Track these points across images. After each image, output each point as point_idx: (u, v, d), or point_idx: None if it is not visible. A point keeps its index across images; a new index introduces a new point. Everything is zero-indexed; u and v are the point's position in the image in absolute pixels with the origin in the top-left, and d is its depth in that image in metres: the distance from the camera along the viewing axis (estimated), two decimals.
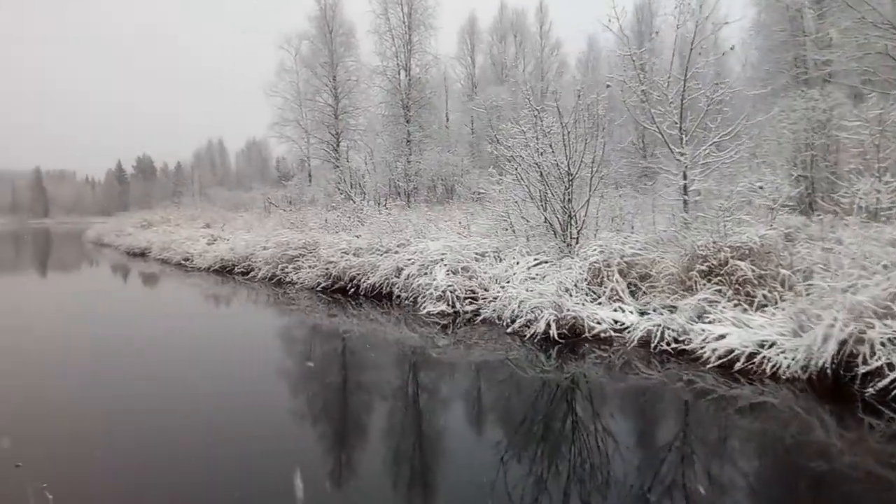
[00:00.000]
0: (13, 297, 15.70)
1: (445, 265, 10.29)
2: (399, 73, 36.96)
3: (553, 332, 7.50)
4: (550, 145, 10.34)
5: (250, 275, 16.01)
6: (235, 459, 4.83)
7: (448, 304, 9.69)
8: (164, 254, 21.57)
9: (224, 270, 17.26)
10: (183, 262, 19.77)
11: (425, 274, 10.55)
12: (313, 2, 36.57)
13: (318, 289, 13.15)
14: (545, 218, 11.00)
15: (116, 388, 6.83)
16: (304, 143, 42.33)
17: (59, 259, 29.92)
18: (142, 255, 24.84)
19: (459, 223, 15.56)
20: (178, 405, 6.27)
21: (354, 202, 22.20)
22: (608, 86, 10.57)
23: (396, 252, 12.34)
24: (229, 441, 5.20)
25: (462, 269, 10.20)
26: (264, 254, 15.67)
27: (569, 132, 9.88)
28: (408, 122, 36.42)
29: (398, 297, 11.30)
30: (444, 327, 9.36)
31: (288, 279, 14.43)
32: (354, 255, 12.84)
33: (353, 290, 12.30)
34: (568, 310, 7.67)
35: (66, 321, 11.90)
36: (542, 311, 7.77)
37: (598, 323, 7.80)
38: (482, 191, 19.82)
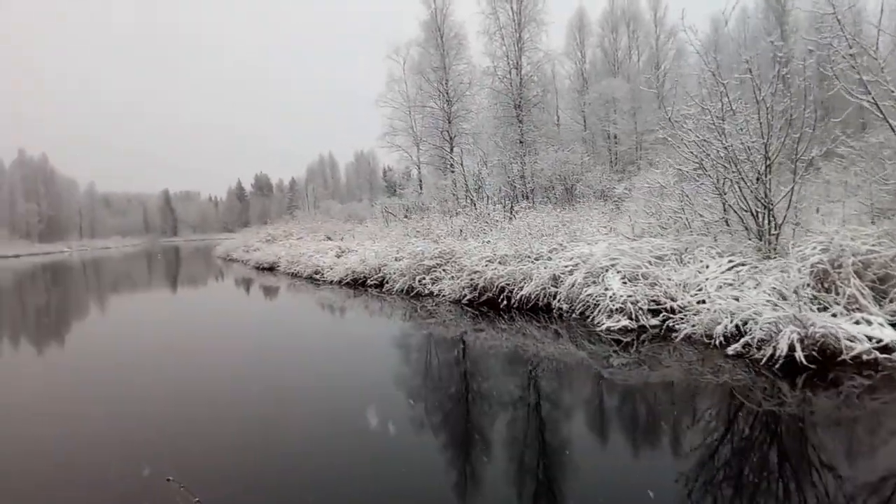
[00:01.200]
0: (156, 312, 15.97)
1: (619, 272, 8.89)
2: (510, 73, 36.08)
3: (799, 354, 5.89)
4: (741, 124, 8.70)
5: (384, 287, 15.29)
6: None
7: (631, 318, 8.27)
8: (294, 268, 21.48)
9: (356, 283, 16.66)
10: (313, 275, 19.49)
11: (594, 282, 9.21)
12: (423, 6, 36.20)
13: (463, 301, 12.06)
14: (726, 209, 9.37)
15: (263, 401, 6.74)
16: (414, 150, 42.44)
17: (195, 276, 31.02)
18: (270, 269, 25.06)
19: (603, 224, 14.15)
20: (324, 420, 6.03)
21: (477, 207, 21.25)
22: (810, 50, 8.77)
23: (549, 258, 11.08)
24: (391, 462, 4.92)
25: (641, 275, 8.75)
26: (398, 265, 14.89)
27: (769, 106, 8.21)
28: (520, 121, 35.42)
29: (559, 309, 10.03)
30: (626, 345, 7.95)
31: (427, 291, 13.54)
32: (500, 263, 11.70)
33: (504, 302, 11.09)
34: (813, 324, 6.03)
35: (209, 336, 11.95)
36: (778, 327, 6.19)
37: (853, 341, 6.11)
38: (625, 188, 18.28)
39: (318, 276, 19.19)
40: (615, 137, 41.40)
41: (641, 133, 39.59)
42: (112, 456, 5.21)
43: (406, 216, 29.90)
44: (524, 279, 10.84)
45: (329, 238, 30.98)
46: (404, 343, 10.50)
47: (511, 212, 20.74)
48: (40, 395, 7.92)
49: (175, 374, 8.42)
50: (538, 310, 10.51)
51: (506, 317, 10.76)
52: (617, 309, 8.38)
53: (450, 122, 36.14)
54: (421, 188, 39.08)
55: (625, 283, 8.73)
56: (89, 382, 8.38)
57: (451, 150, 36.03)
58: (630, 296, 8.38)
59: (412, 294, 13.89)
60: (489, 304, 11.49)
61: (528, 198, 29.76)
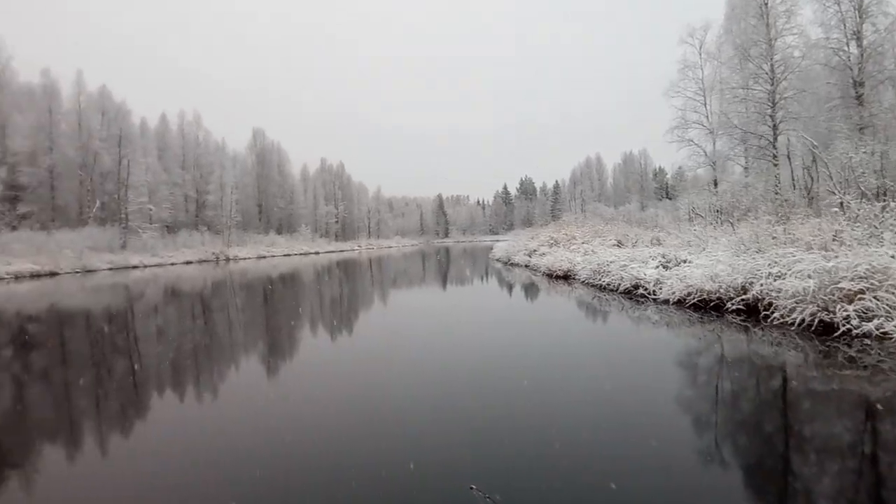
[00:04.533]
0: (458, 314, 13.69)
1: None
2: (847, 45, 28.85)
3: None
4: None
5: (762, 316, 10.88)
6: None
7: None
8: (601, 279, 17.86)
9: (707, 305, 12.51)
10: (631, 290, 15.72)
11: None
12: None
13: None
14: None
15: (570, 415, 6.07)
16: (708, 144, 37.24)
17: (483, 281, 29.41)
18: (564, 278, 21.97)
19: None
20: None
21: (848, 207, 15.84)
22: None
23: None
24: None
25: None
26: (788, 285, 10.40)
27: None
28: (860, 102, 28.05)
29: None
30: None
31: (857, 330, 8.88)
32: None
33: None
34: None
35: (517, 346, 10.62)
36: None
37: None
38: None
39: (637, 292, 15.37)
40: None
41: None
42: (414, 463, 4.78)
43: (718, 218, 25.29)
44: None
45: (620, 243, 27.15)
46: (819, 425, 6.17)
47: None
48: (336, 387, 8.03)
49: (480, 379, 8.03)
50: None
51: None
52: None
53: (773, 106, 29.72)
54: (716, 185, 33.98)
55: None
56: (384, 380, 8.19)
57: (775, 138, 29.67)
58: None
59: (823, 331, 9.31)
60: None
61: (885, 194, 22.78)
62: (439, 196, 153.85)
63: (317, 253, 72.21)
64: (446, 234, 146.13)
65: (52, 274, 34.81)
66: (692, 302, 12.73)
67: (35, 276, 33.54)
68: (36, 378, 9.71)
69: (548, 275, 23.64)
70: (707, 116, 37.31)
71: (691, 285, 12.93)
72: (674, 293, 13.38)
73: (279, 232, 79.45)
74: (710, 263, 13.36)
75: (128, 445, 5.96)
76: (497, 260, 38.13)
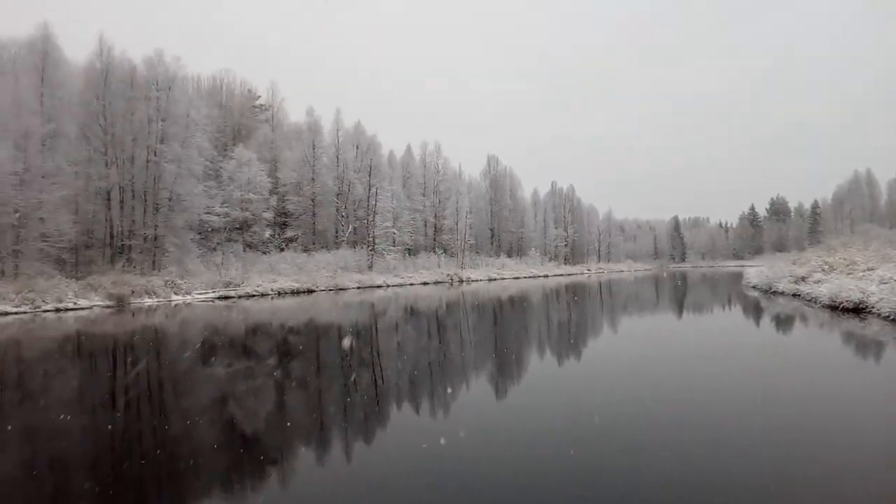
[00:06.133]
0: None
1: None
2: None
3: None
4: None
5: None
6: None
7: None
8: None
9: None
10: None
11: None
12: None
13: None
14: None
15: None
16: None
17: (743, 313, 25.97)
18: (854, 311, 18.08)
19: None
20: None
21: None
22: None
23: None
24: None
25: None
26: None
27: None
28: None
29: None
30: None
31: None
32: None
33: None
34: None
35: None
36: None
37: None
38: None
39: None
40: None
41: None
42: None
43: None
44: None
45: None
46: None
47: None
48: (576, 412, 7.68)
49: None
50: None
51: None
52: None
53: None
54: None
55: None
56: (636, 413, 7.64)
57: None
58: None
59: None
60: None
61: None
62: (675, 218, 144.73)
63: (545, 276, 71.57)
64: (682, 259, 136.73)
65: (309, 291, 38.39)
66: None
67: (295, 292, 37.24)
68: (296, 383, 10.26)
69: (830, 307, 19.72)
70: None
71: None
72: None
73: (509, 255, 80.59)
74: None
75: (367, 450, 6.49)
76: (753, 287, 33.63)
